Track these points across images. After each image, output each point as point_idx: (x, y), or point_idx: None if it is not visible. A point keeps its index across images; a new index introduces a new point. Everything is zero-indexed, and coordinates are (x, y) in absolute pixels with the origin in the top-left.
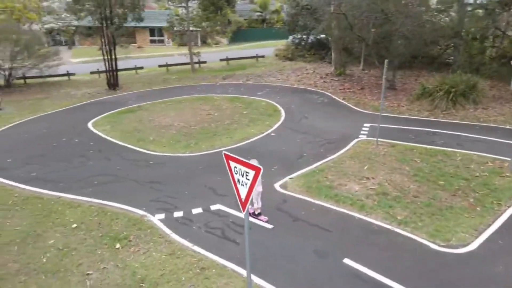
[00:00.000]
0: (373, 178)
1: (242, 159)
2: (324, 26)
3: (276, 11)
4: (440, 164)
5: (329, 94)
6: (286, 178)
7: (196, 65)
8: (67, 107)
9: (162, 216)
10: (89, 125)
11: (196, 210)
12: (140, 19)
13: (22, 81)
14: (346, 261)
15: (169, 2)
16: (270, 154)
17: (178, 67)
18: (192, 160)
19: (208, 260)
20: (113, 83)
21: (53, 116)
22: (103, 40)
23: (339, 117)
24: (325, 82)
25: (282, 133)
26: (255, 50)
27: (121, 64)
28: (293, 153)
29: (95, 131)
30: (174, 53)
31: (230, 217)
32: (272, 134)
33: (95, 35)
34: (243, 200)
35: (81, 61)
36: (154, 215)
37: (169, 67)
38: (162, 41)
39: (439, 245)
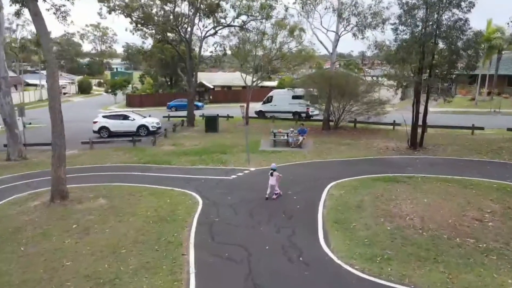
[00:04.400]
0: None
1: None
2: None
3: None
4: None
5: None
6: None
7: None
8: (348, 159)
9: None
10: (330, 184)
11: None
12: (472, 68)
13: (352, 124)
14: None
15: None
16: None
17: None
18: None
19: None
20: (414, 141)
21: (327, 164)
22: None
23: None
24: None
25: None
26: None
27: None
28: None
29: (325, 192)
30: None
31: None
32: None
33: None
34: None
35: (438, 111)
36: None
37: None
38: None
39: None
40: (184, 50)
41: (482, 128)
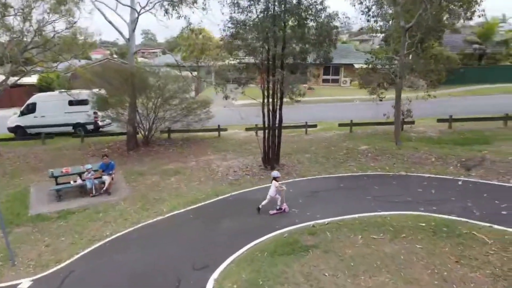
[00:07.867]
0: None
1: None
2: None
3: (505, 43)
4: None
5: None
6: None
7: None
8: (195, 206)
9: None
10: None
11: None
12: (329, 59)
13: (165, 134)
14: None
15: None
16: None
17: (369, 127)
18: None
19: None
20: (269, 157)
21: (170, 226)
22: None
23: None
24: None
25: None
26: (490, 100)
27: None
28: None
29: None
30: (355, 99)
31: None
32: None
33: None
34: None
35: (243, 104)
36: None
37: (354, 127)
38: (336, 81)
39: None
40: None
41: (315, 126)
